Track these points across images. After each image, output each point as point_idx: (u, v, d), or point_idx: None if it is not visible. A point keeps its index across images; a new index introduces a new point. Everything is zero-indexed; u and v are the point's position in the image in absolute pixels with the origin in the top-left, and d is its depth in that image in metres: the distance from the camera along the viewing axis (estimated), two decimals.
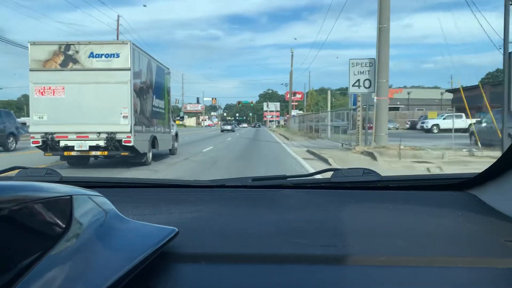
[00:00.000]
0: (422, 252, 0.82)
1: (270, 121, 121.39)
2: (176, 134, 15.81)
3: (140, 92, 10.83)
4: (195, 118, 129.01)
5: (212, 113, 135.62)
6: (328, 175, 1.39)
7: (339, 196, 1.29)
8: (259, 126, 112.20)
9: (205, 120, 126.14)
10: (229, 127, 57.98)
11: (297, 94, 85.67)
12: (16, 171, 1.41)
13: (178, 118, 16.94)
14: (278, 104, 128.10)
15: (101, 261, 0.62)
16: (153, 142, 12.04)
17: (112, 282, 0.57)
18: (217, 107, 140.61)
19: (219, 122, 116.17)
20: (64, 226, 0.60)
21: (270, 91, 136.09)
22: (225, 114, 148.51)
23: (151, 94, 11.91)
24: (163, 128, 13.21)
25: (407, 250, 0.84)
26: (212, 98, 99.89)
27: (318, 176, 1.51)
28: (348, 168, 1.38)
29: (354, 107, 17.07)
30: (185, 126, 22.70)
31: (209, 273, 0.76)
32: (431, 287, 0.73)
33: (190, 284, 0.73)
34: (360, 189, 1.31)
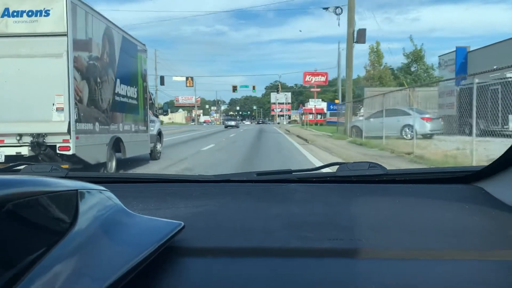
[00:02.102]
0: (430, 246, 0.81)
1: (279, 115, 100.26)
2: (159, 133, 12.15)
3: (89, 72, 7.17)
4: (184, 112, 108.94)
5: (212, 108, 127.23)
6: (334, 169, 1.36)
7: (345, 190, 1.27)
8: (262, 123, 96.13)
9: (200, 115, 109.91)
10: (233, 123, 56.59)
11: (319, 77, 59.17)
12: (22, 167, 1.38)
13: (162, 112, 13.22)
14: (289, 94, 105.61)
15: (107, 256, 0.61)
16: (117, 146, 8.41)
17: (119, 277, 0.57)
18: (216, 101, 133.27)
19: (219, 118, 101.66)
20: (70, 220, 0.60)
21: (277, 83, 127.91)
22: (223, 108, 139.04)
23: (112, 77, 8.25)
24: (134, 125, 9.57)
25: (414, 244, 0.82)
26: (187, 78, 63.08)
27: (324, 170, 1.49)
28: (354, 162, 1.36)
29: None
30: (162, 123, 17.32)
31: (215, 267, 0.76)
32: (440, 280, 0.72)
33: (197, 278, 0.73)
34: (366, 183, 1.28)
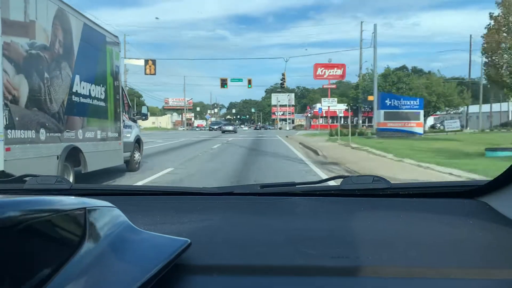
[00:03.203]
0: (435, 263, 0.80)
1: (281, 119, 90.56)
2: (138, 141, 10.56)
3: (30, 64, 5.58)
4: (169, 115, 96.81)
5: (209, 111, 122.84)
6: (338, 182, 1.33)
7: (348, 204, 1.25)
8: (262, 128, 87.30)
9: (192, 118, 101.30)
10: (230, 128, 52.87)
11: (335, 69, 45.53)
12: (27, 179, 1.39)
13: (141, 116, 11.62)
14: (292, 95, 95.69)
15: (116, 274, 0.62)
16: (75, 158, 6.81)
17: None
18: (211, 104, 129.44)
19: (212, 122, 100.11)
20: (79, 238, 0.61)
21: (279, 85, 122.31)
22: (215, 111, 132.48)
23: (69, 73, 6.66)
24: (101, 132, 7.97)
25: (419, 261, 0.81)
26: (147, 62, 37.73)
27: (328, 183, 1.47)
28: (358, 175, 1.34)
29: None
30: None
31: (221, 285, 0.75)
32: None
33: None
34: (370, 197, 1.27)
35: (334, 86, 51.63)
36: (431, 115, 46.74)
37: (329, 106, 34.76)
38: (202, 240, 0.89)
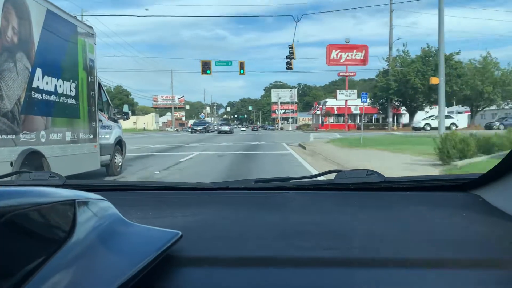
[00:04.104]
0: (426, 254, 0.81)
1: (282, 118, 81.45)
2: (119, 142, 9.67)
3: None
4: (152, 115, 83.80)
5: (204, 111, 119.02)
6: (332, 176, 1.33)
7: (342, 198, 1.25)
8: (261, 128, 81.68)
9: (182, 118, 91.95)
10: (227, 128, 49.17)
11: (354, 52, 36.24)
12: (20, 174, 1.40)
13: (122, 114, 10.73)
14: (295, 91, 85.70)
15: (105, 266, 0.62)
16: (36, 163, 5.92)
17: (116, 287, 0.57)
18: (211, 104, 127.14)
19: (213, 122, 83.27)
20: (68, 230, 0.61)
21: (279, 83, 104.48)
22: (207, 109, 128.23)
23: (27, 66, 5.76)
24: (71, 133, 7.07)
25: (411, 252, 0.82)
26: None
27: (322, 178, 1.47)
28: (352, 170, 1.34)
29: None
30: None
31: (212, 277, 0.75)
32: None
33: None
34: (364, 191, 1.27)
35: (353, 73, 39.34)
36: (483, 110, 39.22)
37: (346, 100, 24.84)
38: (195, 233, 0.88)
